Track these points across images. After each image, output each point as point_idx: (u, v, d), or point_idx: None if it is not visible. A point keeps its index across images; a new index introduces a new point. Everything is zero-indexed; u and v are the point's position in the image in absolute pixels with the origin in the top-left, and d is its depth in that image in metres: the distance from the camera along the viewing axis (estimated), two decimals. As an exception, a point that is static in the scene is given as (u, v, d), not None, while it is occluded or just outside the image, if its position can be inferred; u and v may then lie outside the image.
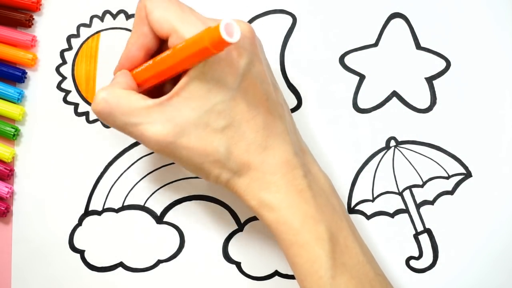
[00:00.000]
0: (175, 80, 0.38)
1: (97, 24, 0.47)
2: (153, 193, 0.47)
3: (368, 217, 0.47)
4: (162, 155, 0.39)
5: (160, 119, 0.37)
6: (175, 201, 0.47)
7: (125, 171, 0.47)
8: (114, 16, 0.47)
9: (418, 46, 0.47)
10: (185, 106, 0.37)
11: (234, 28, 0.33)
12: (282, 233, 0.39)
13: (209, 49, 0.34)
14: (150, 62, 0.39)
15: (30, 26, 0.47)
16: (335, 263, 0.38)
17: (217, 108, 0.37)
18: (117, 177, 0.47)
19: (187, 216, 0.46)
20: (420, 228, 0.46)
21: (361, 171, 0.47)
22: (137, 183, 0.47)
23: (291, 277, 0.46)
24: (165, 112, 0.37)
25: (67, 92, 0.47)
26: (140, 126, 0.37)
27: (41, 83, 0.47)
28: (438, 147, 0.47)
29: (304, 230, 0.38)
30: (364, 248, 0.41)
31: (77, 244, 0.46)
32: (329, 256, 0.38)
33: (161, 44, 0.40)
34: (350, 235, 0.40)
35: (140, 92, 0.39)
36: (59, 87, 0.47)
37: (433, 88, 0.47)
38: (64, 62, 0.47)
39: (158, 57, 0.38)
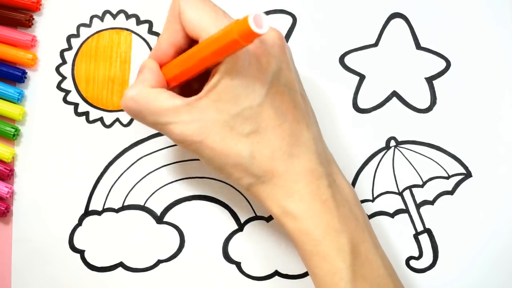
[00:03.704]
0: (203, 79, 0.38)
1: (97, 24, 0.47)
2: (153, 193, 0.47)
3: (368, 217, 0.46)
4: (187, 151, 0.39)
5: (187, 119, 0.37)
6: (175, 201, 0.47)
7: (125, 171, 0.47)
8: (114, 16, 0.47)
9: (418, 46, 0.47)
10: (213, 108, 0.37)
11: (263, 19, 0.33)
12: (303, 243, 0.38)
13: (238, 40, 0.33)
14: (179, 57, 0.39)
15: (30, 26, 0.46)
16: (355, 275, 0.38)
17: (244, 114, 0.37)
18: (117, 177, 0.47)
19: (187, 216, 0.46)
20: (420, 228, 0.46)
21: (361, 171, 0.47)
22: (137, 183, 0.47)
23: (291, 277, 0.46)
24: (193, 113, 0.37)
25: (67, 92, 0.47)
26: (168, 125, 0.38)
27: (41, 83, 0.47)
28: (438, 147, 0.47)
29: (326, 241, 0.38)
30: (385, 261, 0.40)
31: (77, 244, 0.46)
32: (350, 269, 0.38)
33: (192, 43, 0.39)
34: (372, 247, 0.39)
35: (169, 89, 0.39)
36: (59, 87, 0.47)
37: (433, 88, 0.47)
38: (64, 62, 0.47)
39: (187, 52, 0.38)
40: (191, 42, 0.39)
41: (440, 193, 0.47)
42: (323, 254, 0.38)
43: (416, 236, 0.46)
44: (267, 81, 0.37)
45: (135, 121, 0.47)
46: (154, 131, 0.46)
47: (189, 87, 0.41)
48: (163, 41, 0.39)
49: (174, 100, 0.37)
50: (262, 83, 0.37)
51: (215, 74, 0.37)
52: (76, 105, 0.47)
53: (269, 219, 0.46)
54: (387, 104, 0.47)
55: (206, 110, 0.37)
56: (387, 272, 0.40)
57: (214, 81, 0.36)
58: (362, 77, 0.47)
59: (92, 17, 0.47)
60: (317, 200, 0.38)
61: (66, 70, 0.47)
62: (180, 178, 0.47)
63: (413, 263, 0.46)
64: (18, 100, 0.46)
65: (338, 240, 0.38)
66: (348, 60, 0.47)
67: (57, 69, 0.47)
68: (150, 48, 0.47)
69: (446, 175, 0.47)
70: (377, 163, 0.47)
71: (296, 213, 0.38)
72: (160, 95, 0.38)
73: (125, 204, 0.47)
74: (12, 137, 0.46)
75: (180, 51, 0.39)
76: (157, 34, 0.47)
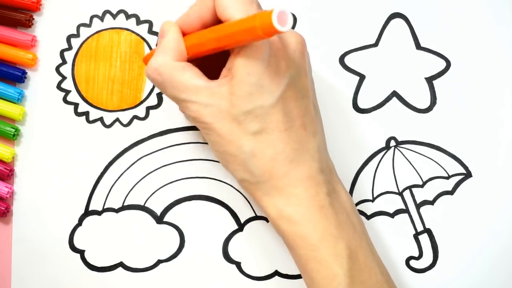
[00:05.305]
0: (223, 57, 0.39)
1: (97, 24, 0.47)
2: (153, 193, 0.47)
3: (368, 217, 0.47)
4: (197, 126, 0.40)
5: (205, 101, 0.38)
6: (175, 201, 0.47)
7: (125, 171, 0.47)
8: (114, 16, 0.47)
9: (418, 46, 0.47)
10: (228, 100, 0.37)
11: (287, 17, 0.32)
12: (299, 248, 0.38)
13: (259, 33, 0.33)
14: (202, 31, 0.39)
15: (30, 26, 0.47)
16: (353, 281, 0.38)
17: (254, 112, 0.37)
18: (117, 177, 0.47)
19: (187, 216, 0.46)
20: (420, 228, 0.46)
21: (361, 171, 0.47)
22: (137, 183, 0.47)
23: (291, 277, 0.46)
24: (211, 97, 0.37)
25: (67, 92, 0.47)
26: (185, 102, 0.38)
27: (41, 83, 0.47)
28: (438, 147, 0.47)
29: (323, 246, 0.38)
30: (382, 267, 0.40)
31: (77, 244, 0.46)
32: (347, 274, 0.38)
33: (219, 23, 0.39)
34: (369, 254, 0.40)
35: (188, 59, 0.39)
36: (59, 87, 0.47)
37: (433, 88, 0.47)
38: (64, 62, 0.47)
39: (209, 28, 0.38)
40: (219, 22, 0.39)
41: (440, 193, 0.47)
42: (320, 259, 0.38)
43: (416, 236, 0.46)
44: (283, 84, 0.37)
45: (135, 121, 0.47)
46: (154, 131, 0.46)
47: (208, 62, 0.41)
48: (192, 13, 0.40)
49: (197, 80, 0.38)
50: (277, 85, 0.37)
51: (233, 67, 0.37)
52: (76, 105, 0.47)
53: (269, 219, 0.46)
54: (387, 104, 0.47)
55: (223, 99, 0.37)
56: (384, 279, 0.40)
57: (232, 75, 0.37)
58: (362, 77, 0.47)
59: (92, 17, 0.47)
60: (314, 206, 0.38)
61: (66, 70, 0.47)
62: (180, 178, 0.47)
63: (413, 263, 0.46)
64: (18, 100, 0.46)
65: (335, 246, 0.38)
66: (348, 60, 0.47)
67: (57, 69, 0.47)
68: (150, 48, 0.47)
69: (446, 175, 0.47)
70: (377, 163, 0.47)
71: (292, 217, 0.38)
72: (185, 72, 0.38)
73: (125, 204, 0.47)
74: (12, 137, 0.46)
75: (206, 27, 0.39)
76: (157, 34, 0.47)
